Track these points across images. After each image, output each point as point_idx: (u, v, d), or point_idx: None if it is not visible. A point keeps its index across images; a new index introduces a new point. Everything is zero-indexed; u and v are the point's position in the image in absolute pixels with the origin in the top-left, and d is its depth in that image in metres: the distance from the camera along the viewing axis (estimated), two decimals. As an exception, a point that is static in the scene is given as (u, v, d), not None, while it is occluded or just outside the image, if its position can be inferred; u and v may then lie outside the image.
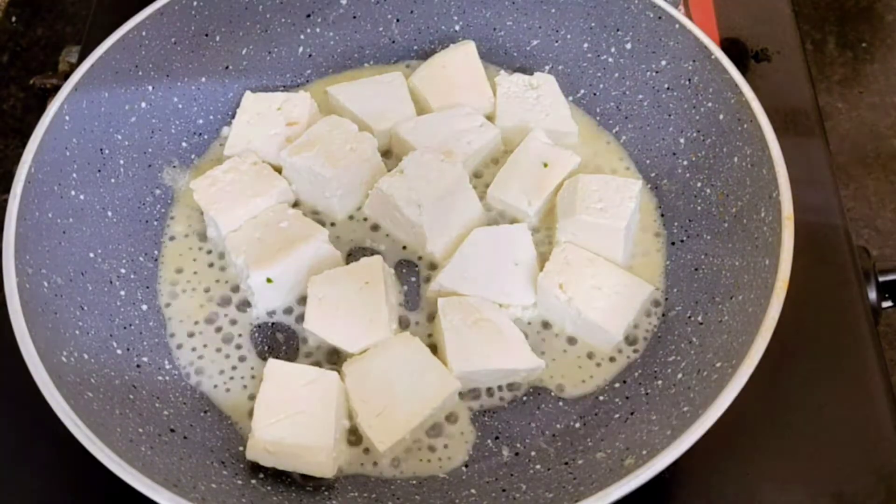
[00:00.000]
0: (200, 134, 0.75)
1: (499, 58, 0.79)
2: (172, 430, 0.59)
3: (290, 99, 0.74)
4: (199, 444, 0.59)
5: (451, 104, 0.74)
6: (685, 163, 0.69)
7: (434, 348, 0.64)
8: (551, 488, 0.57)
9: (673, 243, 0.68)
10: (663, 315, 0.66)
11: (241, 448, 0.60)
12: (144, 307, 0.66)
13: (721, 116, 0.66)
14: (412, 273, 0.69)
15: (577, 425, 0.61)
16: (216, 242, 0.70)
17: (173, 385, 0.63)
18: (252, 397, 0.63)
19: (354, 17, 0.79)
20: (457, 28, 0.79)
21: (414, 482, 0.60)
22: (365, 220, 0.71)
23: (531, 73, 0.76)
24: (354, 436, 0.61)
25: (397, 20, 0.79)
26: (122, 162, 0.69)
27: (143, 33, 0.69)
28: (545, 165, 0.70)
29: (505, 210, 0.71)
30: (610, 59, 0.74)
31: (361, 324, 0.63)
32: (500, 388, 0.63)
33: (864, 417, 0.63)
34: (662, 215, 0.70)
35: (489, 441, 0.61)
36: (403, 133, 0.72)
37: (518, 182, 0.70)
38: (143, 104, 0.71)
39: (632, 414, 0.60)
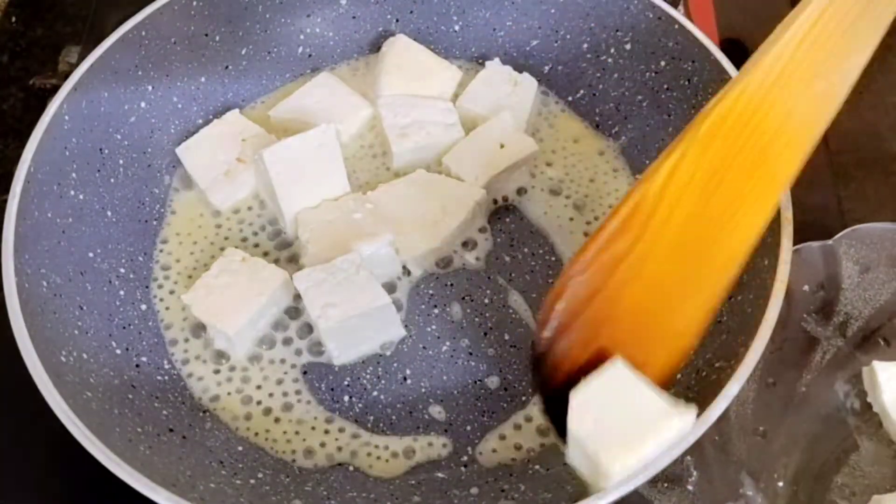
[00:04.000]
0: (200, 134, 0.75)
1: (498, 58, 0.79)
2: (171, 430, 0.59)
3: (258, 136, 0.71)
4: (197, 443, 0.59)
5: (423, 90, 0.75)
6: (685, 163, 0.68)
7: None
8: (550, 488, 0.57)
9: (672, 243, 0.68)
10: (662, 315, 0.65)
11: (240, 448, 0.60)
12: (143, 307, 0.66)
13: (720, 117, 0.66)
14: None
15: (577, 425, 0.61)
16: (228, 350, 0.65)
17: (172, 385, 0.63)
18: (249, 398, 0.63)
19: (354, 18, 0.79)
20: (456, 28, 0.79)
21: (413, 482, 0.60)
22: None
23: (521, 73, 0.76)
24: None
25: (397, 20, 0.79)
26: (121, 162, 0.69)
27: (143, 33, 0.69)
28: (501, 146, 0.71)
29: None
30: (609, 60, 0.74)
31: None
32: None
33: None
34: (662, 215, 0.70)
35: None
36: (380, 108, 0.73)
37: (472, 156, 0.71)
38: (143, 104, 0.71)
39: (631, 414, 0.60)
